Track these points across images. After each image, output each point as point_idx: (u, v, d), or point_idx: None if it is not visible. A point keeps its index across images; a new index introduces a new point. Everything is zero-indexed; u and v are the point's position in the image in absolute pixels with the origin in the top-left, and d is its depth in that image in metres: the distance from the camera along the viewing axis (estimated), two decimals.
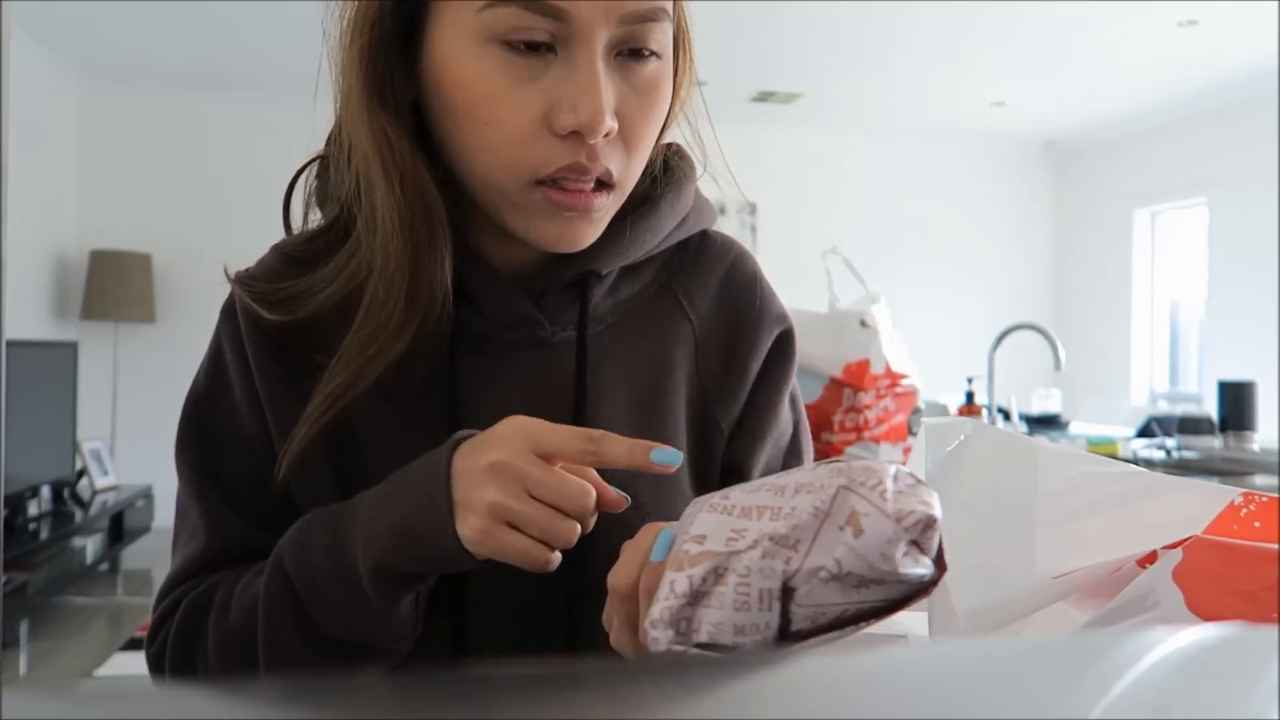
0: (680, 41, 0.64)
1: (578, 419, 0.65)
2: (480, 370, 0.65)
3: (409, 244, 0.60)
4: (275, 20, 4.41)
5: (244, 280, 0.66)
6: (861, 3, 4.17)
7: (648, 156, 0.63)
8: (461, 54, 0.57)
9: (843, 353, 2.06)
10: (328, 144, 0.67)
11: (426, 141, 0.62)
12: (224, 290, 0.66)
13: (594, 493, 0.54)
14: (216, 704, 0.23)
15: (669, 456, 0.53)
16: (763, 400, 0.72)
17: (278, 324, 0.63)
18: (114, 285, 5.18)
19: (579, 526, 0.54)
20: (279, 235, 0.70)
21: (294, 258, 0.67)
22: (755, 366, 0.72)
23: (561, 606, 0.63)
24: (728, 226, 6.29)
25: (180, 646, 0.64)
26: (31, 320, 4.94)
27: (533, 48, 0.56)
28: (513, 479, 0.53)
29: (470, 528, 0.53)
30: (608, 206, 0.61)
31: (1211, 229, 5.56)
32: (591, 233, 0.62)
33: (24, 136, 4.67)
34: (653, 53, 0.59)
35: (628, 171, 0.61)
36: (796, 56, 4.95)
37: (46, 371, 4.19)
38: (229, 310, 0.66)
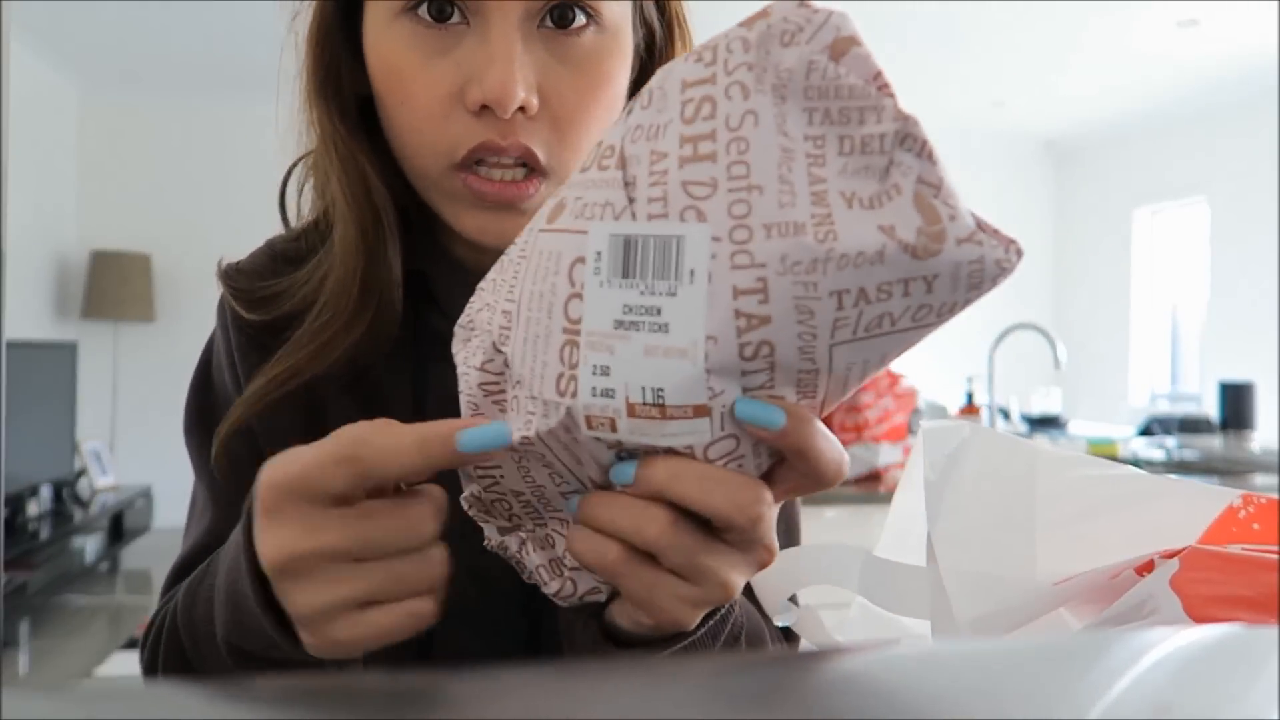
0: (673, 22, 0.62)
1: None
2: (448, 375, 0.62)
3: (358, 233, 0.58)
4: (275, 21, 4.40)
5: (230, 275, 0.64)
6: (861, 3, 4.17)
7: (593, 141, 0.57)
8: (381, 32, 0.55)
9: None
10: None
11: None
12: None
13: (430, 507, 0.40)
14: (215, 704, 0.23)
15: (489, 434, 0.38)
16: None
17: (255, 323, 0.62)
18: (114, 285, 5.18)
19: (435, 555, 0.40)
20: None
21: (282, 255, 0.65)
22: None
23: (521, 609, 0.61)
24: None
25: (153, 658, 0.58)
26: (31, 320, 4.95)
27: (441, 18, 0.53)
28: (319, 571, 0.39)
29: (311, 644, 0.40)
30: (542, 198, 0.55)
31: (1212, 229, 5.56)
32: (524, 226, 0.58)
33: (24, 137, 4.67)
34: (589, 18, 0.54)
35: (562, 156, 0.55)
36: None
37: (46, 371, 4.19)
38: (222, 303, 0.66)
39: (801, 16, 0.34)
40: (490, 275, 0.41)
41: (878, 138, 0.33)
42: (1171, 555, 0.46)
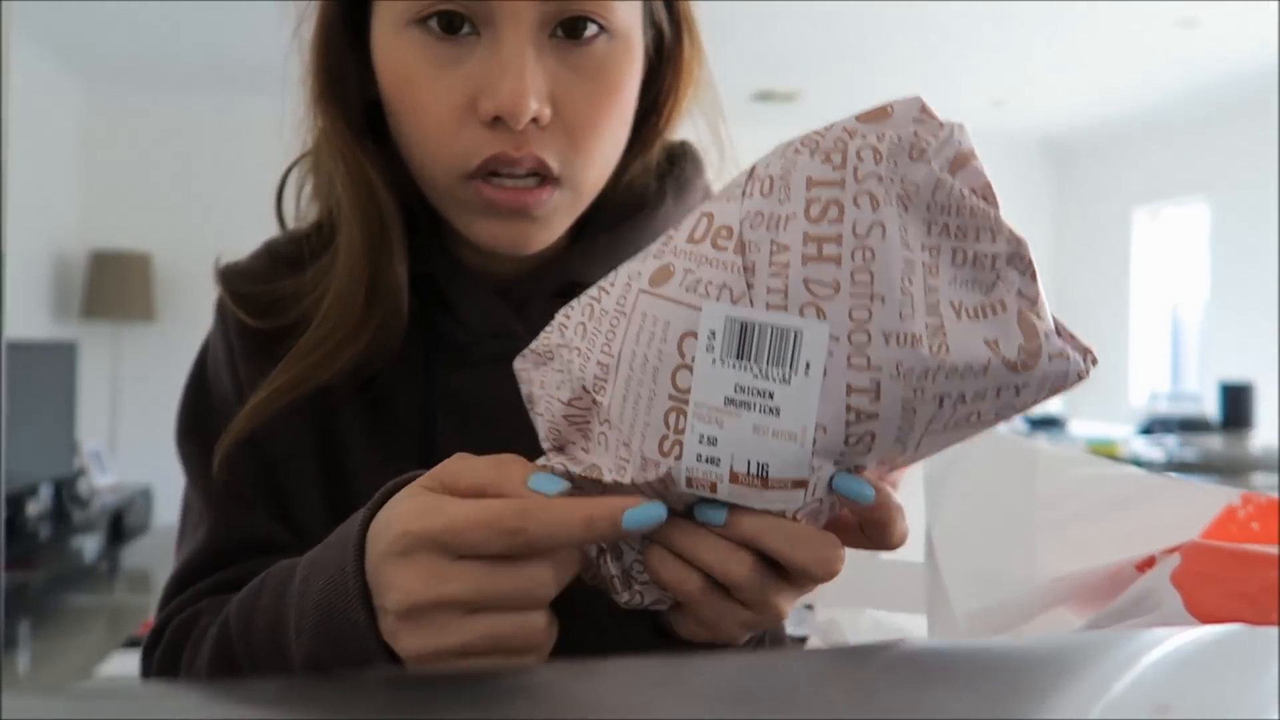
0: (681, 22, 0.62)
1: None
2: (457, 381, 0.61)
3: (363, 239, 0.58)
4: (277, 20, 4.40)
5: (229, 278, 0.63)
6: (861, 2, 4.17)
7: (606, 149, 0.57)
8: (390, 40, 0.55)
9: None
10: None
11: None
12: None
13: (554, 572, 0.40)
14: (216, 704, 0.23)
15: (649, 514, 0.39)
16: None
17: (259, 329, 0.61)
18: (114, 285, 5.18)
19: (538, 621, 0.41)
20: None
21: (283, 258, 0.64)
22: None
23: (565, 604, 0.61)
24: None
25: (164, 673, 0.59)
26: (31, 320, 4.94)
27: (452, 29, 0.53)
28: (433, 617, 0.40)
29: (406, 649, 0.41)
30: (555, 205, 0.56)
31: (1211, 229, 5.56)
32: (538, 234, 0.57)
33: (24, 136, 4.67)
34: (600, 28, 0.54)
35: (575, 164, 0.55)
36: (796, 56, 4.95)
37: (46, 371, 4.19)
38: (221, 305, 0.65)
39: (929, 131, 0.37)
40: (575, 316, 0.42)
41: (990, 256, 0.36)
42: (1172, 551, 0.46)
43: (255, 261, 0.65)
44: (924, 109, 0.38)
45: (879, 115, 0.37)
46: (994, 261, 0.36)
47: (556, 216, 0.57)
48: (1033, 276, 0.37)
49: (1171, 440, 2.85)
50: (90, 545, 4.16)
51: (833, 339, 0.35)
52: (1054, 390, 0.37)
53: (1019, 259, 0.37)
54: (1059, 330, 0.37)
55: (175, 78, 5.41)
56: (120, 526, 4.52)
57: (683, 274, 0.37)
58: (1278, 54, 4.65)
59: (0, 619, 2.54)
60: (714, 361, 0.36)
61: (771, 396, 0.35)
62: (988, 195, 0.37)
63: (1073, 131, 6.43)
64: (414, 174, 0.58)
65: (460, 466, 0.42)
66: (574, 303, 0.43)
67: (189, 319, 5.49)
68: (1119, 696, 0.22)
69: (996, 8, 4.23)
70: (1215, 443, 2.75)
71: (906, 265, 0.35)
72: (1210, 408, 4.60)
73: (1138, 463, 2.60)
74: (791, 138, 0.39)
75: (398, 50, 0.54)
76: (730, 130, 0.67)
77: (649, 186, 0.65)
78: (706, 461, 0.37)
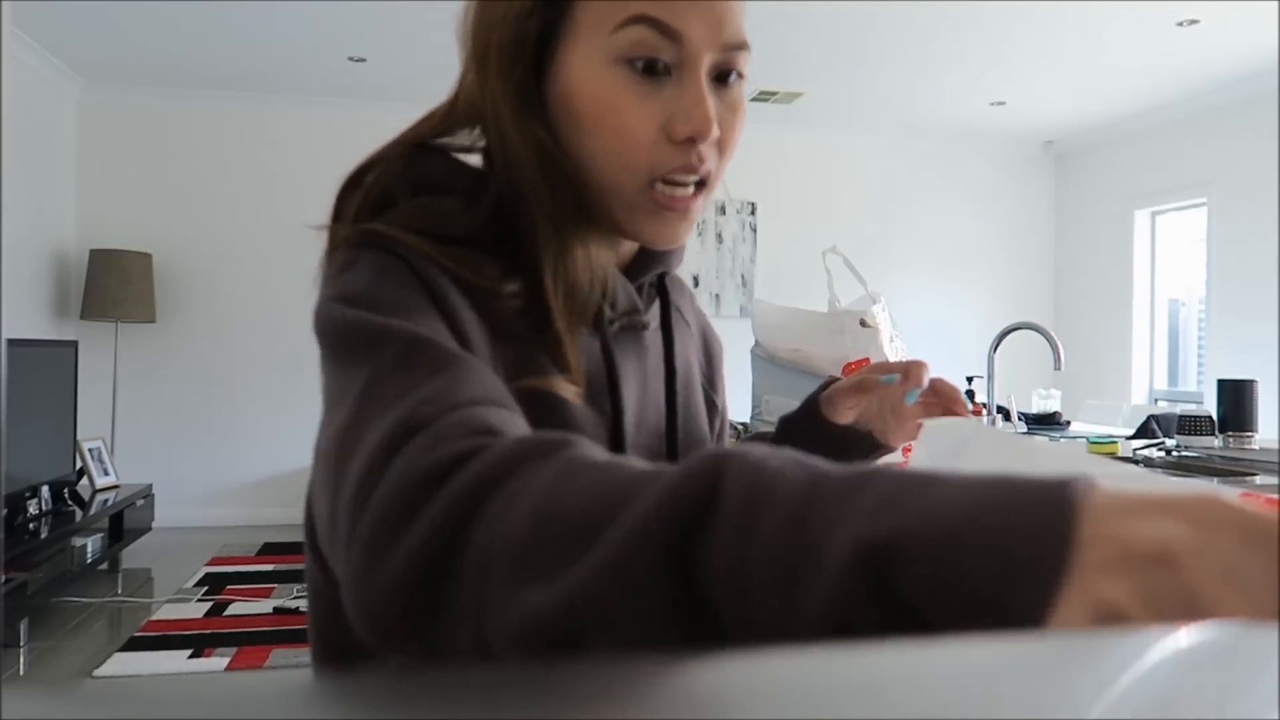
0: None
1: (670, 396, 0.80)
2: (617, 343, 0.78)
3: (566, 233, 0.71)
4: (276, 20, 4.41)
5: (387, 234, 0.65)
6: (861, 2, 4.18)
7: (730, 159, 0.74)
8: (595, 72, 0.67)
9: (843, 353, 2.06)
10: (393, 144, 0.72)
11: None
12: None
13: None
14: (216, 703, 0.23)
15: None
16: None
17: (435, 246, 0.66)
18: (114, 285, 5.18)
19: None
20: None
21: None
22: (721, 362, 0.95)
23: None
24: (728, 226, 6.29)
25: (455, 511, 0.44)
26: (31, 320, 4.95)
27: (651, 70, 0.67)
28: None
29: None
30: (699, 207, 0.72)
31: (1211, 229, 5.56)
32: (685, 230, 0.73)
33: (24, 136, 4.68)
34: (739, 75, 0.71)
35: (718, 171, 0.72)
36: (796, 56, 4.95)
37: (46, 371, 4.19)
38: (373, 244, 0.65)
39: None
40: None
41: None
42: None
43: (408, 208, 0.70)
44: None
45: None
46: None
47: (696, 214, 0.73)
48: None
49: (1171, 440, 2.85)
50: (90, 545, 4.16)
51: None
52: None
53: None
54: None
55: (174, 78, 5.42)
56: (120, 526, 4.52)
57: None
58: (1278, 54, 4.65)
59: None
60: None
61: None
62: None
63: (1073, 131, 6.43)
64: (591, 179, 0.70)
65: None
66: None
67: (189, 319, 5.49)
68: (1119, 697, 0.22)
69: (996, 8, 4.24)
70: (1215, 443, 2.75)
71: None
72: (1210, 407, 4.60)
73: (1137, 462, 2.60)
74: None
75: (603, 81, 0.67)
76: None
77: None
78: None
